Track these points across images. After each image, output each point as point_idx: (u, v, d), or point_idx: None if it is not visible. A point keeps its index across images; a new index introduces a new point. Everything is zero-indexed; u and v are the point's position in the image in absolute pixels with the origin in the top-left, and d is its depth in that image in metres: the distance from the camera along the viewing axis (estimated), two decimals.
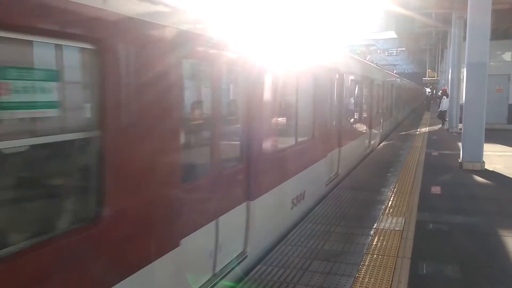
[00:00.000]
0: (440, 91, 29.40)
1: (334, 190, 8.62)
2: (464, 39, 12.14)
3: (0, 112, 2.35)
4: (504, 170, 11.08)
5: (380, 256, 5.25)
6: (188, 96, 4.17)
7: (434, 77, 47.62)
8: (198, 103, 4.37)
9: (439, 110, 25.24)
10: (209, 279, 4.27)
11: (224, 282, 4.47)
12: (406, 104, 33.58)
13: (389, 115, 20.38)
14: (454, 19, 21.76)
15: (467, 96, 11.51)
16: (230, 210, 4.61)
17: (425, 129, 22.64)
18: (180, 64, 3.66)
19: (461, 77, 19.25)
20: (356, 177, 10.05)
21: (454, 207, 7.64)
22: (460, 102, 19.34)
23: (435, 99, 40.38)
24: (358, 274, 4.74)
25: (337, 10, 50.24)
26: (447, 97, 24.32)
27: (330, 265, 4.97)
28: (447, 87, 25.03)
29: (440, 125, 23.95)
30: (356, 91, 11.96)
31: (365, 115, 13.38)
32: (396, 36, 39.88)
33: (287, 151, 6.34)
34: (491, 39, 11.91)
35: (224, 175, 4.51)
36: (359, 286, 4.46)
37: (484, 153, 11.40)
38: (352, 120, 11.49)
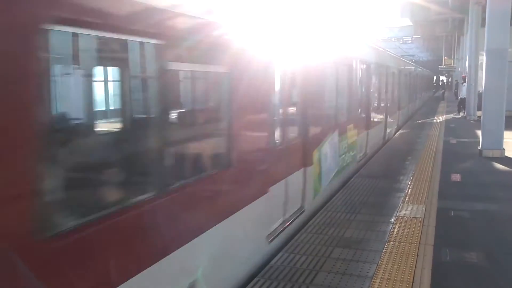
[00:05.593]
0: (460, 78, 28.72)
1: (352, 178, 8.60)
2: (482, 25, 11.91)
3: None
4: None
5: (402, 243, 5.22)
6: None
7: (450, 64, 46.96)
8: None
9: (459, 97, 24.68)
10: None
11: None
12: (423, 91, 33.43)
13: (408, 102, 21.83)
14: (472, 5, 21.37)
15: (486, 83, 11.33)
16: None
17: (442, 117, 22.36)
18: None
19: (479, 64, 18.93)
20: (374, 166, 10.00)
21: (475, 194, 7.56)
22: (478, 89, 19.03)
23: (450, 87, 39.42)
24: (381, 260, 4.73)
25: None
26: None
27: (352, 252, 4.96)
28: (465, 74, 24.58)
29: (456, 113, 23.54)
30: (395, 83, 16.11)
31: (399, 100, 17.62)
32: (411, 24, 39.35)
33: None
34: (511, 24, 11.66)
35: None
36: (383, 272, 4.45)
37: (504, 140, 11.25)
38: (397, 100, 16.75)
